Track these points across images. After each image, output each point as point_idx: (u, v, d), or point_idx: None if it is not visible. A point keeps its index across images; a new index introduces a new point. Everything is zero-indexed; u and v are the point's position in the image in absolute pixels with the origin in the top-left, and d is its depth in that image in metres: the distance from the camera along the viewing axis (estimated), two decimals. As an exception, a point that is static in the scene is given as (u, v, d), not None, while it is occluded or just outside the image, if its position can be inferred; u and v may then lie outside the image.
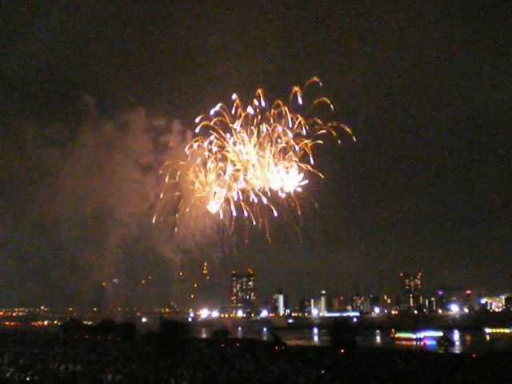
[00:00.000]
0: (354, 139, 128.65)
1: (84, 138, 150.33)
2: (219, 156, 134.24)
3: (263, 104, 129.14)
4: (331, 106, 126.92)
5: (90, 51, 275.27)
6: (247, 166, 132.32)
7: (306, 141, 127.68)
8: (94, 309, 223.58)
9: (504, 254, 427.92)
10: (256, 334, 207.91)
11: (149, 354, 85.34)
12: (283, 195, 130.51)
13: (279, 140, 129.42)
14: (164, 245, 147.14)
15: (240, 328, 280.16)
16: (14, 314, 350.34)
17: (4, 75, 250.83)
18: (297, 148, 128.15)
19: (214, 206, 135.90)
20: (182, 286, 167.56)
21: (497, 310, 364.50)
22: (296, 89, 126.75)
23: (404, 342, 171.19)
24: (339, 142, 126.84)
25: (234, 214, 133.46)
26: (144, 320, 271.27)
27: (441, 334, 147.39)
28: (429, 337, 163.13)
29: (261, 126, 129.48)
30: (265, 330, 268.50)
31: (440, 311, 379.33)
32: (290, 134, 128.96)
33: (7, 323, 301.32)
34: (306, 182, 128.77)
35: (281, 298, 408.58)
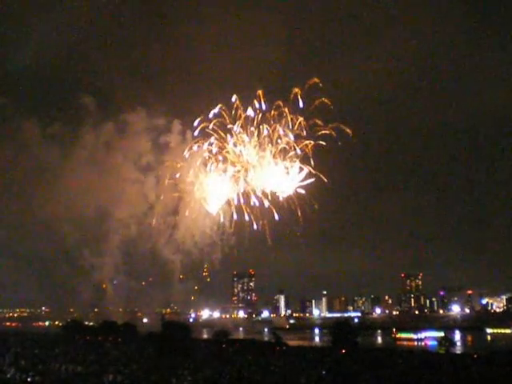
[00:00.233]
0: (354, 140, 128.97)
1: (84, 138, 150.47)
2: (220, 157, 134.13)
3: (263, 105, 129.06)
4: (331, 106, 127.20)
5: (90, 52, 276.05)
6: (247, 167, 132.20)
7: (306, 142, 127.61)
8: (95, 309, 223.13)
9: (505, 255, 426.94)
10: (257, 335, 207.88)
11: (150, 355, 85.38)
12: (284, 196, 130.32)
13: (279, 141, 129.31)
14: (164, 246, 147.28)
15: (241, 328, 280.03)
16: (15, 315, 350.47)
17: (4, 75, 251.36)
18: (298, 149, 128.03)
19: (214, 208, 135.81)
20: (182, 288, 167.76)
21: (498, 310, 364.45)
22: (296, 90, 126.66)
23: (405, 343, 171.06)
24: (339, 142, 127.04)
25: (235, 217, 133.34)
26: (145, 320, 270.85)
27: (442, 334, 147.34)
28: (430, 337, 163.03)
29: (261, 127, 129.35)
30: (266, 330, 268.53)
31: (441, 311, 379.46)
32: (291, 135, 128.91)
33: (8, 324, 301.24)
34: (312, 180, 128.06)
35: (282, 299, 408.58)
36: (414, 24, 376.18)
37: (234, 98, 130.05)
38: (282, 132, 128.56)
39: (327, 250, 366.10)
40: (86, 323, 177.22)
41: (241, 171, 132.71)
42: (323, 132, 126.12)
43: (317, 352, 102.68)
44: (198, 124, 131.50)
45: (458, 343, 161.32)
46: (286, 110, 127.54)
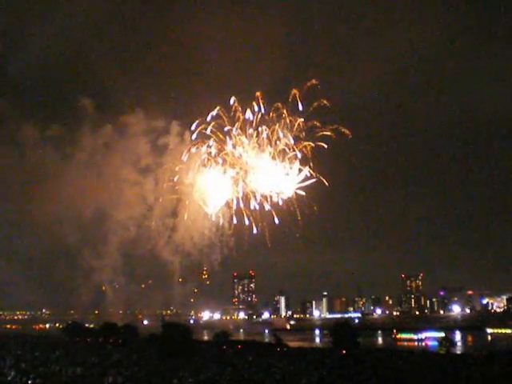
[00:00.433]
0: (353, 141, 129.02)
1: (83, 140, 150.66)
2: (219, 159, 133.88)
3: (262, 107, 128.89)
4: (330, 107, 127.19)
5: (88, 53, 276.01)
6: (247, 168, 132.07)
7: (305, 143, 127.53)
8: (96, 311, 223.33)
9: (505, 255, 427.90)
10: (257, 336, 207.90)
11: (151, 356, 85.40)
12: (284, 197, 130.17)
13: (278, 143, 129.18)
14: (163, 247, 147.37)
15: (242, 330, 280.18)
16: (16, 318, 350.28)
17: (3, 77, 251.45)
18: (297, 151, 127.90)
19: (213, 209, 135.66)
20: (181, 291, 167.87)
21: (498, 310, 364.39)
22: (295, 91, 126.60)
23: (406, 343, 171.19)
24: (338, 144, 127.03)
25: (235, 221, 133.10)
26: (146, 322, 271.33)
27: (442, 334, 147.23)
28: (430, 337, 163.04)
29: (260, 129, 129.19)
30: (266, 331, 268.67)
31: (441, 312, 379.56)
32: (290, 137, 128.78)
33: (9, 326, 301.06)
34: (311, 181, 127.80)
35: (282, 300, 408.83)
36: (414, 25, 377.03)
37: (232, 99, 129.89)
38: (280, 134, 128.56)
39: (327, 251, 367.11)
40: (87, 325, 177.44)
41: (240, 173, 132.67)
42: (322, 133, 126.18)
43: (317, 353, 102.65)
44: (197, 126, 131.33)
45: (459, 343, 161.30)
46: (285, 111, 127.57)
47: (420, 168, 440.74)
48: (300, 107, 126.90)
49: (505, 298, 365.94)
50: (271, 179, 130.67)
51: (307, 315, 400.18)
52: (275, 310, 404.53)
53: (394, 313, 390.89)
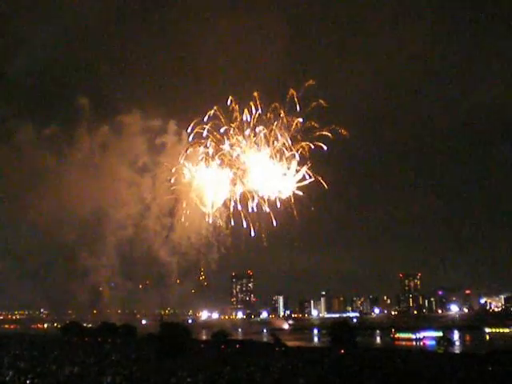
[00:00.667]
0: (352, 141, 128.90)
1: (80, 139, 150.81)
2: (216, 159, 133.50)
3: (259, 107, 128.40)
4: (328, 108, 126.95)
5: (85, 54, 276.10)
6: (244, 168, 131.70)
7: (302, 143, 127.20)
8: (94, 311, 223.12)
9: (503, 255, 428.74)
10: (256, 335, 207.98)
11: (149, 356, 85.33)
12: (281, 197, 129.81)
13: (276, 143, 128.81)
14: (160, 247, 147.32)
15: (240, 329, 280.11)
16: (14, 317, 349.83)
17: (0, 78, 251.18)
18: (294, 151, 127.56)
19: (210, 209, 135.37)
20: (178, 292, 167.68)
21: (496, 309, 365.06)
22: (292, 91, 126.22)
23: (404, 342, 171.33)
24: (336, 144, 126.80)
25: (232, 223, 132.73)
26: (144, 322, 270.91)
27: (440, 334, 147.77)
28: (428, 337, 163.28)
29: (257, 129, 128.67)
30: (264, 331, 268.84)
31: (440, 311, 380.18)
32: (287, 137, 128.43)
33: (7, 326, 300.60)
34: (309, 181, 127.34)
35: (280, 299, 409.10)
36: (412, 26, 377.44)
37: (229, 99, 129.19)
38: (278, 134, 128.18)
39: (326, 251, 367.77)
40: (85, 325, 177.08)
41: (237, 173, 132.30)
42: (319, 133, 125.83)
43: (316, 352, 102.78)
44: (194, 126, 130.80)
45: (457, 343, 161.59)
46: (282, 111, 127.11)
47: (418, 168, 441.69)
48: (297, 107, 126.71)
49: (503, 297, 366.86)
50: (269, 179, 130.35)
51: (305, 315, 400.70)
52: (273, 310, 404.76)
53: (392, 312, 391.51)
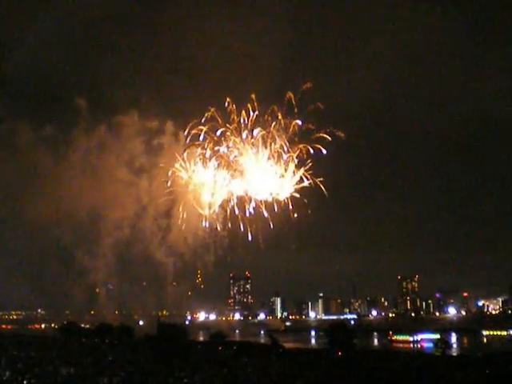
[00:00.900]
0: (349, 143, 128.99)
1: (77, 140, 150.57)
2: (214, 160, 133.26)
3: (257, 109, 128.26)
4: (325, 111, 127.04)
5: (82, 54, 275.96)
6: (242, 170, 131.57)
7: (300, 145, 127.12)
8: (91, 312, 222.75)
9: (501, 257, 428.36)
10: (253, 337, 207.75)
11: (146, 357, 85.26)
12: (279, 199, 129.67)
13: (273, 145, 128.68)
14: (157, 248, 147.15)
15: (237, 331, 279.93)
16: (11, 318, 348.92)
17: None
18: (292, 153, 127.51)
19: (207, 210, 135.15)
20: (175, 293, 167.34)
21: (494, 312, 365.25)
22: (290, 94, 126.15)
23: (401, 345, 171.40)
24: (333, 146, 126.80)
25: (229, 225, 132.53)
26: (141, 323, 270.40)
27: (438, 336, 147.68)
28: (426, 339, 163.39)
29: (255, 131, 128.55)
30: (262, 332, 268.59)
31: (437, 314, 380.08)
32: (285, 139, 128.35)
33: (4, 326, 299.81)
34: (307, 183, 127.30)
35: (278, 301, 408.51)
36: (409, 28, 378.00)
37: (227, 101, 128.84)
38: (275, 136, 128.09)
39: (323, 253, 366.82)
40: (82, 325, 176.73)
41: (234, 174, 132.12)
42: (317, 136, 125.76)
43: (313, 354, 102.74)
44: (192, 127, 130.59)
45: (454, 345, 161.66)
46: (280, 114, 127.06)
47: (415, 170, 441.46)
48: (295, 110, 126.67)
49: (500, 300, 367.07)
50: (266, 181, 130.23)
51: (303, 316, 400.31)
52: (271, 311, 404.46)
53: (390, 314, 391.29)
